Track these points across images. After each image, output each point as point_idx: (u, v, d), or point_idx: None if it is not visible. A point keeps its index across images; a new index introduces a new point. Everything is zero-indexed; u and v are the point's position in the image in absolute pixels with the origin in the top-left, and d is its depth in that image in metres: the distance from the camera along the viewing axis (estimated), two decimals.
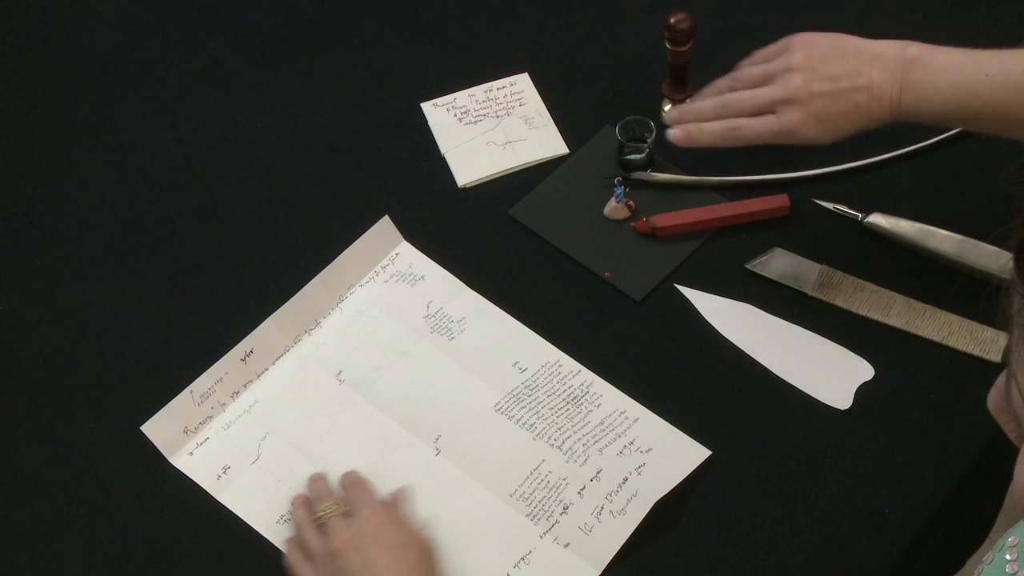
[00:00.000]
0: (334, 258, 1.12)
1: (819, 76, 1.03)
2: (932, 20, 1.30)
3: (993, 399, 0.64)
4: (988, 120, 0.99)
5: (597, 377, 1.06)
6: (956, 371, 1.05)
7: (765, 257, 1.12)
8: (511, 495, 1.00)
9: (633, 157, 1.18)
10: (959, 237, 1.11)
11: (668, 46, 1.16)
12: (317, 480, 1.00)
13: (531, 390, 1.06)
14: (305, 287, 1.10)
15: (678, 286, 1.12)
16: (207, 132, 1.25)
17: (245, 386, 1.07)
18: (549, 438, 1.03)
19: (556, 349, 1.08)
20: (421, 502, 1.00)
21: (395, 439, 1.04)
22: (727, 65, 1.27)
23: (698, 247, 1.14)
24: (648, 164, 1.19)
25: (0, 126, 1.27)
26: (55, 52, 1.33)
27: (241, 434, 1.04)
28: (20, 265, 1.17)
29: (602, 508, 0.99)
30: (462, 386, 1.06)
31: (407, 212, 1.17)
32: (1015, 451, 0.66)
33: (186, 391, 1.04)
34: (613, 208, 1.16)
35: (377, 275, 1.13)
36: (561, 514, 0.99)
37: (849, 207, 1.15)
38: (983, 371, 1.05)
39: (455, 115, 1.24)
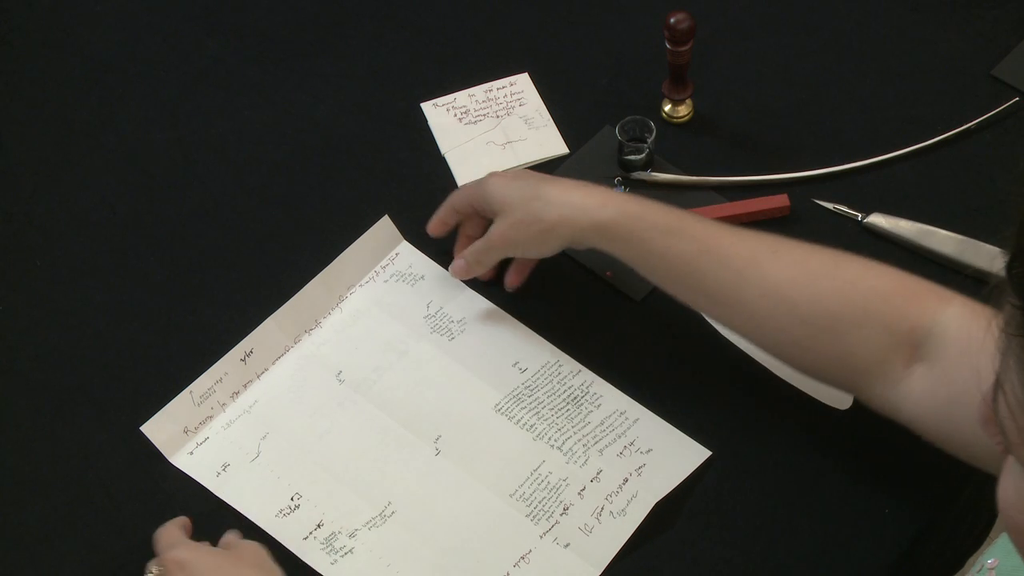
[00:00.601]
0: (334, 258, 1.12)
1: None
2: (932, 20, 1.30)
3: (980, 410, 0.64)
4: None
5: (597, 377, 1.06)
6: None
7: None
8: (511, 495, 1.00)
9: (633, 157, 1.18)
10: (959, 237, 1.11)
11: (668, 46, 1.16)
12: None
13: (531, 391, 1.06)
14: (305, 287, 1.10)
15: None
16: (207, 132, 1.25)
17: (245, 386, 1.07)
18: (549, 439, 1.03)
19: (556, 349, 1.08)
20: (420, 502, 1.00)
21: (395, 439, 1.04)
22: (727, 65, 1.28)
23: None
24: (648, 164, 1.19)
25: (0, 126, 1.27)
26: (55, 52, 1.33)
27: (241, 433, 1.04)
28: (20, 265, 1.17)
29: (602, 509, 0.99)
30: (462, 386, 1.06)
31: (407, 212, 1.16)
32: None
33: (186, 391, 1.04)
34: None
35: (377, 275, 1.13)
36: (561, 515, 0.99)
37: (849, 207, 1.15)
38: None
39: (455, 115, 1.24)
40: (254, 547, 0.93)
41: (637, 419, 1.04)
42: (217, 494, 1.01)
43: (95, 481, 1.03)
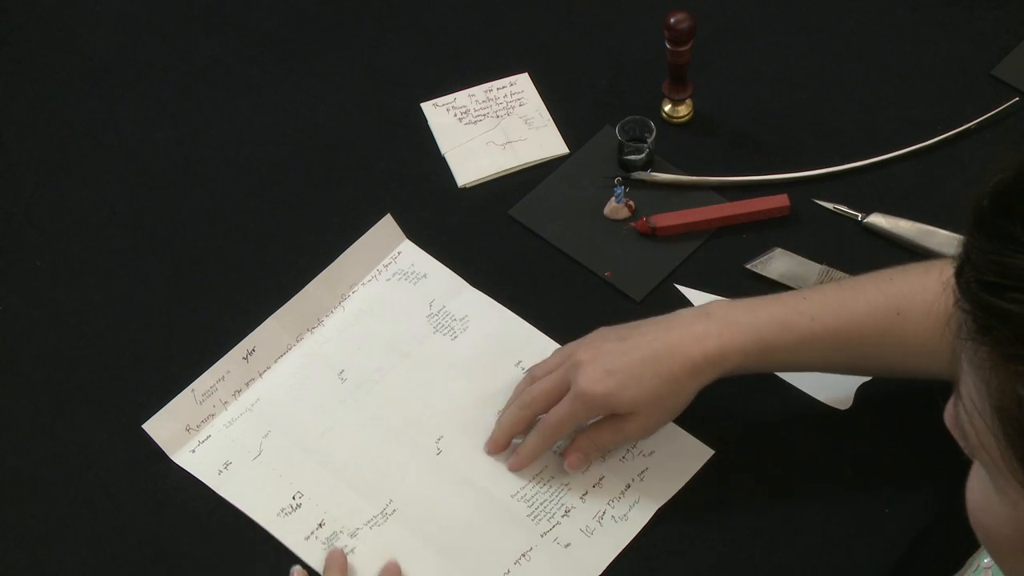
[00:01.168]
0: (333, 258, 1.12)
1: (608, 342, 0.98)
2: (932, 20, 1.30)
3: (947, 417, 0.64)
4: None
5: None
6: None
7: (765, 257, 1.12)
8: (512, 496, 1.00)
9: (633, 157, 1.18)
10: (959, 237, 1.10)
11: (668, 46, 1.16)
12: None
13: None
14: (307, 286, 1.10)
15: (678, 286, 1.12)
16: (207, 132, 1.25)
17: (247, 384, 1.07)
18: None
19: (559, 347, 1.08)
20: (421, 501, 1.00)
21: (397, 438, 1.04)
22: (727, 65, 1.28)
23: (698, 247, 1.14)
24: (648, 164, 1.19)
25: (0, 126, 1.27)
26: (55, 52, 1.33)
27: (243, 432, 1.04)
28: (20, 265, 1.17)
29: (604, 513, 0.99)
30: (465, 386, 1.06)
31: (407, 212, 1.16)
32: None
33: (188, 389, 1.04)
34: (613, 208, 1.16)
35: (379, 274, 1.13)
36: (563, 516, 0.99)
37: (849, 207, 1.15)
38: None
39: (455, 115, 1.24)
40: None
41: None
42: (218, 492, 1.01)
43: (95, 481, 1.03)
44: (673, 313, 0.99)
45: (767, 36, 1.31)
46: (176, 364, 1.07)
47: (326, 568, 0.96)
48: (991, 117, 1.21)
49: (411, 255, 1.14)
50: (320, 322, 1.10)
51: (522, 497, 1.00)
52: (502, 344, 1.08)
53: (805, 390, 1.05)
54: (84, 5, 1.36)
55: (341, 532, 0.99)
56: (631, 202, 1.16)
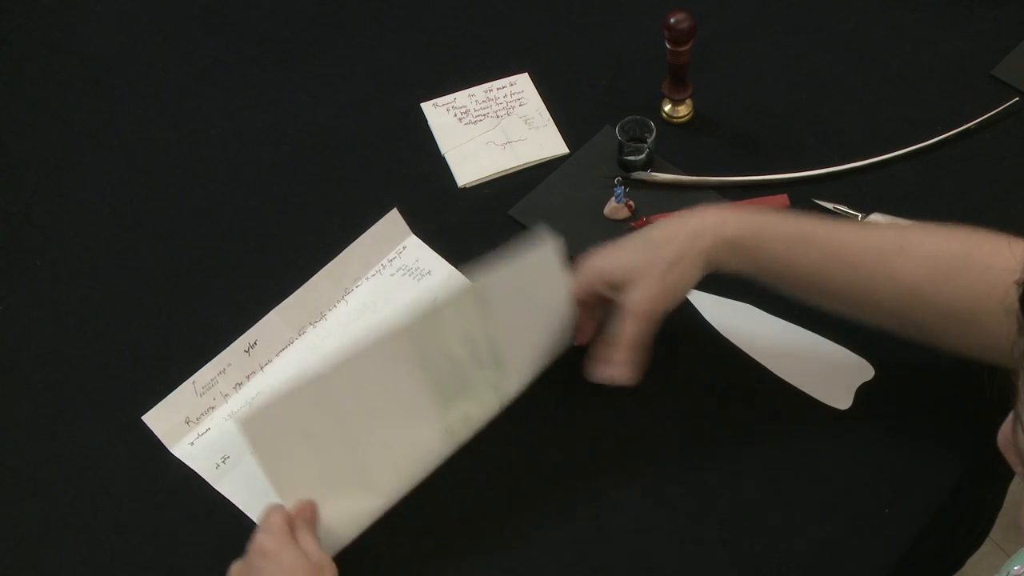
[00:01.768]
0: (333, 258, 1.12)
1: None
2: (932, 20, 1.30)
3: (1001, 439, 0.64)
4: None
5: None
6: (956, 371, 1.05)
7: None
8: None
9: (633, 157, 1.18)
10: None
11: (668, 46, 1.16)
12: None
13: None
14: (311, 279, 1.10)
15: None
16: (207, 132, 1.25)
17: (248, 377, 1.07)
18: None
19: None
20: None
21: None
22: (727, 65, 1.28)
23: None
24: (648, 164, 1.19)
25: (0, 126, 1.27)
26: (55, 52, 1.33)
27: None
28: (20, 265, 1.17)
29: None
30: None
31: (407, 212, 1.16)
32: None
33: (188, 382, 1.04)
34: (613, 208, 1.16)
35: (383, 268, 1.13)
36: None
37: (849, 207, 1.15)
38: (984, 371, 1.05)
39: (455, 115, 1.24)
40: (333, 569, 0.92)
41: None
42: (215, 486, 1.01)
43: (95, 480, 1.03)
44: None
45: (767, 36, 1.31)
46: (176, 364, 1.07)
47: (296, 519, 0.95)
48: (991, 117, 1.21)
49: (416, 251, 1.14)
50: (323, 316, 1.10)
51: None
52: None
53: (805, 390, 1.05)
54: (84, 5, 1.36)
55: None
56: (631, 202, 1.16)
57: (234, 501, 1.01)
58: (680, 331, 1.09)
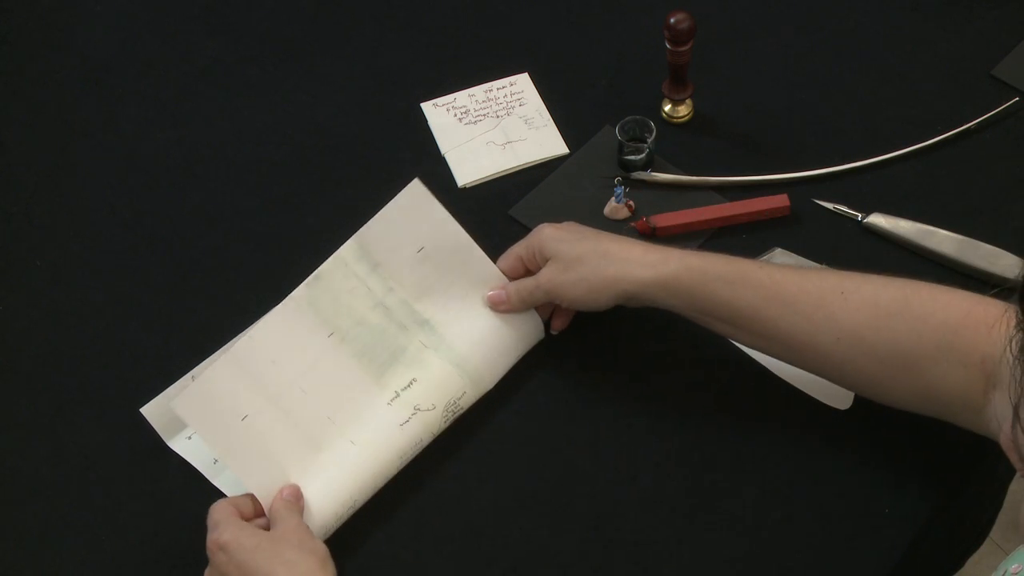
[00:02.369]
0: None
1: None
2: (932, 20, 1.30)
3: (1003, 438, 0.64)
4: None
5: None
6: None
7: (765, 257, 1.12)
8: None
9: (633, 157, 1.18)
10: (959, 237, 1.11)
11: (668, 46, 1.16)
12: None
13: None
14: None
15: None
16: (207, 132, 1.25)
17: None
18: None
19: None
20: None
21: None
22: (727, 65, 1.28)
23: (698, 247, 1.14)
24: (648, 164, 1.19)
25: (0, 126, 1.27)
26: (55, 52, 1.33)
27: None
28: (20, 265, 1.17)
29: None
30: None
31: None
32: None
33: (187, 376, 1.04)
34: (613, 208, 1.16)
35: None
36: None
37: (849, 207, 1.15)
38: None
39: (455, 115, 1.24)
40: (295, 523, 0.94)
41: None
42: (213, 482, 1.01)
43: (95, 480, 1.03)
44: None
45: (767, 36, 1.31)
46: (176, 364, 1.07)
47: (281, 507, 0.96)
48: (991, 117, 1.21)
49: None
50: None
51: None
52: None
53: (805, 390, 1.05)
54: (84, 5, 1.36)
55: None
56: (631, 202, 1.16)
57: (231, 496, 1.00)
58: (680, 331, 1.09)
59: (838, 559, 0.97)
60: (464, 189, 1.19)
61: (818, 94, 1.25)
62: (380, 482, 1.00)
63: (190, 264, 1.16)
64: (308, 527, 0.94)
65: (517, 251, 1.07)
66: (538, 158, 1.21)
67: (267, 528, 0.95)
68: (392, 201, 1.02)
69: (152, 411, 1.03)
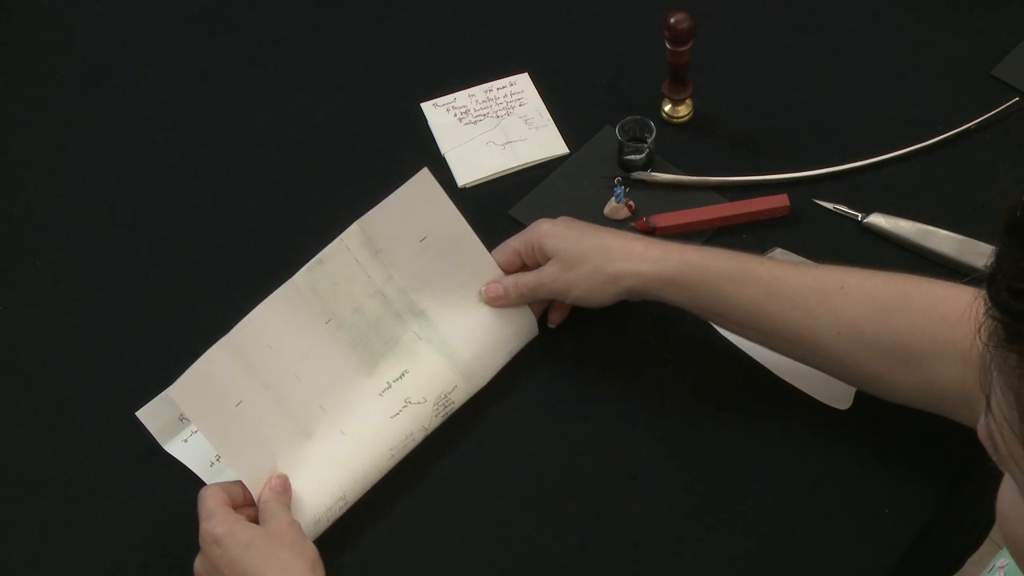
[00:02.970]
0: None
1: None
2: (932, 20, 1.30)
3: (981, 430, 0.64)
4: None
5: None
6: None
7: (765, 257, 1.12)
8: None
9: (633, 157, 1.18)
10: (959, 237, 1.11)
11: (668, 46, 1.16)
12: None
13: None
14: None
15: None
16: (207, 132, 1.25)
17: None
18: None
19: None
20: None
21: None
22: (727, 65, 1.28)
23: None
24: (648, 164, 1.19)
25: (0, 126, 1.27)
26: (55, 52, 1.33)
27: None
28: (20, 265, 1.17)
29: None
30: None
31: None
32: None
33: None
34: (613, 208, 1.16)
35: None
36: None
37: (849, 207, 1.15)
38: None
39: (455, 115, 1.24)
40: (288, 522, 0.94)
41: None
42: (210, 484, 1.01)
43: (95, 480, 1.03)
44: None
45: (767, 36, 1.31)
46: (176, 364, 1.06)
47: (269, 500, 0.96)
48: (991, 117, 1.21)
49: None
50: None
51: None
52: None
53: (805, 390, 1.05)
54: (84, 5, 1.36)
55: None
56: (631, 202, 1.16)
57: None
58: (680, 331, 1.09)
59: (838, 559, 0.97)
60: (464, 189, 1.19)
61: (818, 94, 1.25)
62: (372, 476, 1.00)
63: (190, 264, 1.16)
64: (300, 526, 0.94)
65: (514, 245, 1.07)
66: (538, 158, 1.21)
67: (255, 518, 0.95)
68: (399, 189, 1.02)
69: (148, 414, 1.03)
